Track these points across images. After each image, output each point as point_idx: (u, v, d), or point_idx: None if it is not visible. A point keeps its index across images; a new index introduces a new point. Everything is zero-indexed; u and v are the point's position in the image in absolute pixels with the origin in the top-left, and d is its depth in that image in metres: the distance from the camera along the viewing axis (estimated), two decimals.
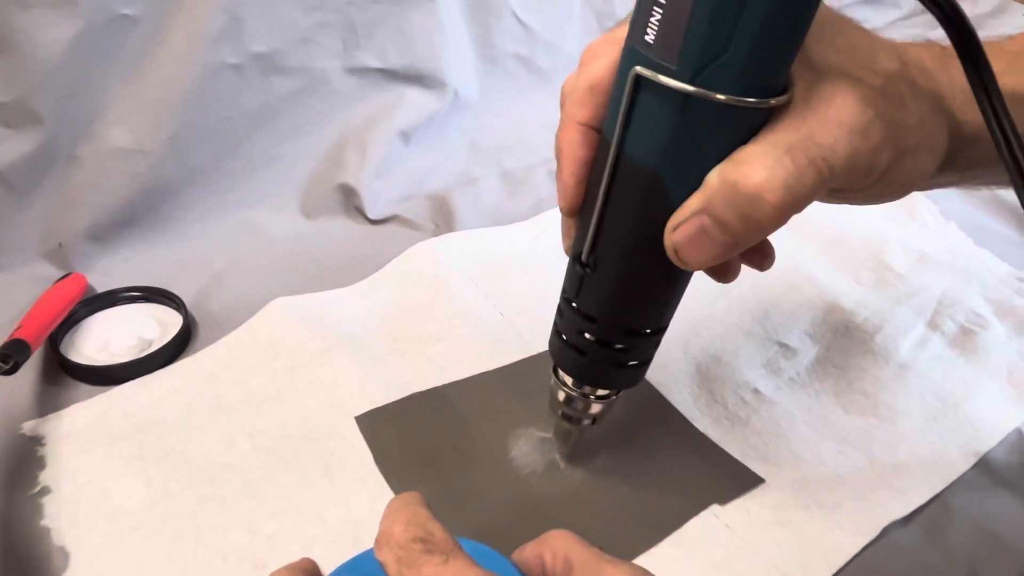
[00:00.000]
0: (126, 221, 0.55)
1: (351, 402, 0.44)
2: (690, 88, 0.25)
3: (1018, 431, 0.46)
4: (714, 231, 0.27)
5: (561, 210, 0.33)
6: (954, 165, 0.31)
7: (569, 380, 0.37)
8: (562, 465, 0.42)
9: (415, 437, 0.43)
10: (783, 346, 0.51)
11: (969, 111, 0.29)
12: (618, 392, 0.37)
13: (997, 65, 0.29)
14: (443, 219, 0.62)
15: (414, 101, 0.67)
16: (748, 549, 0.38)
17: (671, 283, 0.32)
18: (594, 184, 0.30)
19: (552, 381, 0.38)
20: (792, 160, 0.26)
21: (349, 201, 0.63)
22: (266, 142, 0.61)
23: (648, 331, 0.34)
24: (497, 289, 0.54)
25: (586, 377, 0.36)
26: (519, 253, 0.59)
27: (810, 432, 0.45)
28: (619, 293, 0.32)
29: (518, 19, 0.73)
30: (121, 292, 0.51)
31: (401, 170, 0.66)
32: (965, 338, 0.53)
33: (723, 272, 0.35)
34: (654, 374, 0.48)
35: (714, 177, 0.27)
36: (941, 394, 0.48)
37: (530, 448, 0.42)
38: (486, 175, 0.68)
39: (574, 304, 0.34)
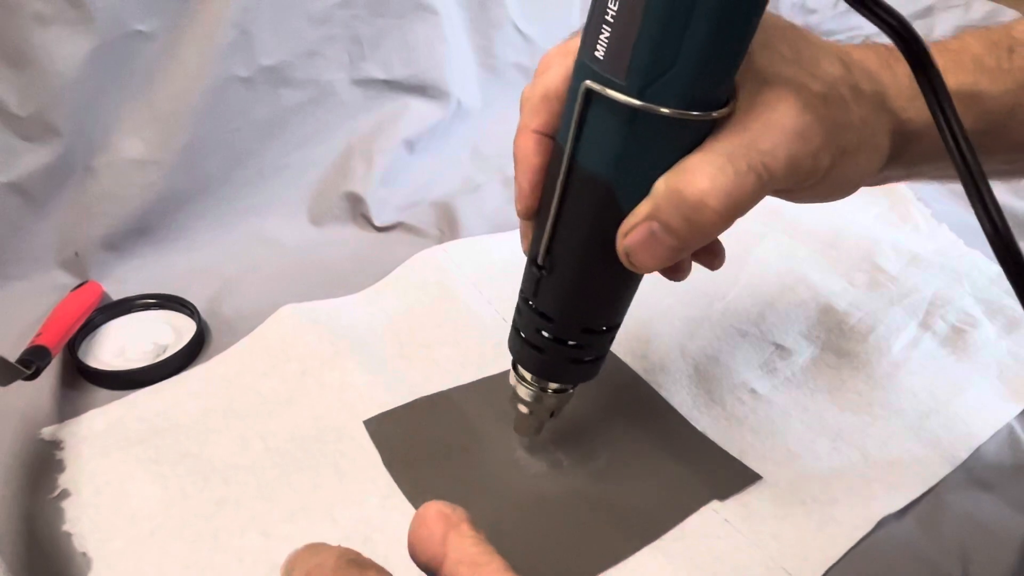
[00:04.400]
0: (140, 230, 0.56)
1: (360, 405, 0.45)
2: (638, 103, 0.27)
3: (1009, 427, 0.47)
4: (662, 236, 0.29)
5: (518, 213, 0.34)
6: (899, 160, 0.33)
7: (528, 376, 0.38)
8: (566, 465, 0.43)
9: (422, 439, 0.44)
10: (779, 347, 0.52)
11: (912, 108, 0.31)
12: (574, 386, 0.39)
13: (943, 63, 0.31)
14: (448, 225, 0.64)
15: (418, 111, 0.68)
16: (747, 543, 0.39)
17: (623, 284, 0.34)
18: (548, 189, 0.32)
19: (512, 377, 0.39)
20: (733, 166, 0.27)
21: (356, 209, 0.64)
22: (275, 152, 0.62)
23: (603, 328, 0.35)
24: (501, 294, 0.55)
25: (544, 373, 0.38)
26: (522, 259, 0.60)
27: (806, 430, 0.46)
28: (574, 294, 0.34)
29: (519, 30, 0.74)
30: (136, 299, 0.52)
31: (406, 178, 0.67)
32: (956, 337, 0.54)
33: (674, 271, 0.37)
34: (654, 375, 0.49)
35: (661, 185, 0.28)
36: (933, 392, 0.49)
37: (533, 449, 0.43)
38: (489, 182, 0.69)
39: (531, 304, 0.35)
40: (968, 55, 0.33)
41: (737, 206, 0.28)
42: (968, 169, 0.26)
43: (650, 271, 0.31)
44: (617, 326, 0.36)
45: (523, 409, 0.40)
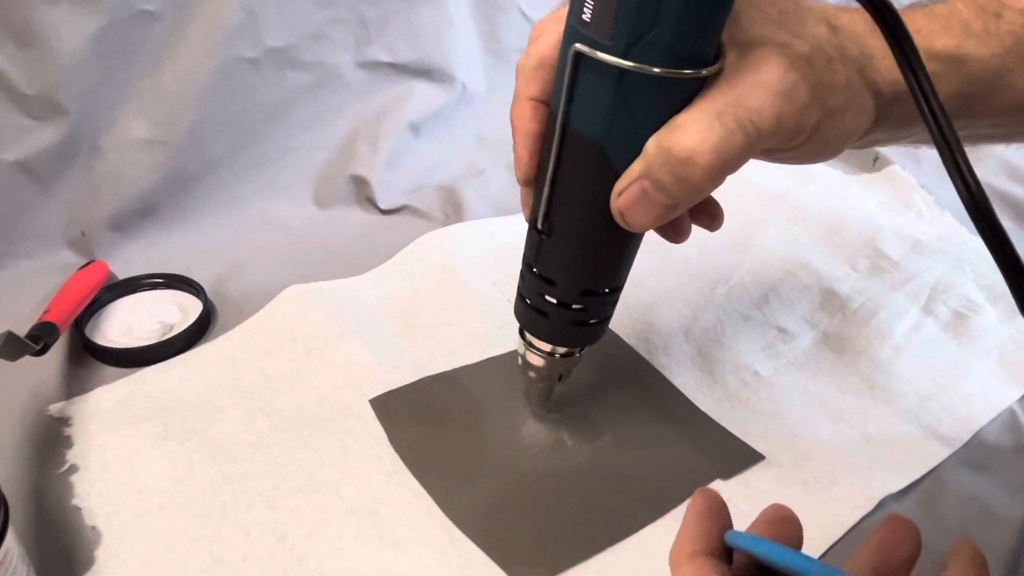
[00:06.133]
0: (147, 210, 0.57)
1: (365, 384, 0.46)
2: (624, 62, 0.27)
3: (1010, 411, 0.48)
4: (654, 194, 0.29)
5: (518, 180, 0.35)
6: (886, 122, 0.33)
7: (535, 341, 0.39)
8: (570, 443, 0.43)
9: (427, 418, 0.44)
10: (781, 330, 0.53)
11: (898, 70, 0.31)
12: (581, 349, 0.40)
13: (931, 27, 0.31)
14: (452, 209, 0.64)
15: (423, 95, 0.69)
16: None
17: (621, 245, 0.34)
18: (546, 155, 0.32)
19: (519, 343, 0.40)
20: (721, 124, 0.28)
21: (361, 192, 0.64)
22: (281, 134, 0.62)
23: (605, 291, 0.36)
24: (504, 277, 0.56)
25: (549, 337, 0.38)
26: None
27: (808, 412, 0.47)
28: (573, 256, 0.34)
29: (524, 15, 0.74)
30: (143, 278, 0.52)
31: (411, 162, 0.67)
32: (958, 322, 0.54)
33: (673, 233, 0.37)
34: (657, 357, 0.49)
35: (651, 144, 0.29)
36: (935, 376, 0.50)
37: (537, 427, 0.44)
38: (493, 166, 0.70)
39: (534, 269, 0.36)
40: (956, 19, 0.33)
41: (726, 163, 0.28)
42: (935, 119, 0.26)
43: (645, 229, 0.32)
44: (619, 288, 0.37)
45: (532, 375, 0.40)
